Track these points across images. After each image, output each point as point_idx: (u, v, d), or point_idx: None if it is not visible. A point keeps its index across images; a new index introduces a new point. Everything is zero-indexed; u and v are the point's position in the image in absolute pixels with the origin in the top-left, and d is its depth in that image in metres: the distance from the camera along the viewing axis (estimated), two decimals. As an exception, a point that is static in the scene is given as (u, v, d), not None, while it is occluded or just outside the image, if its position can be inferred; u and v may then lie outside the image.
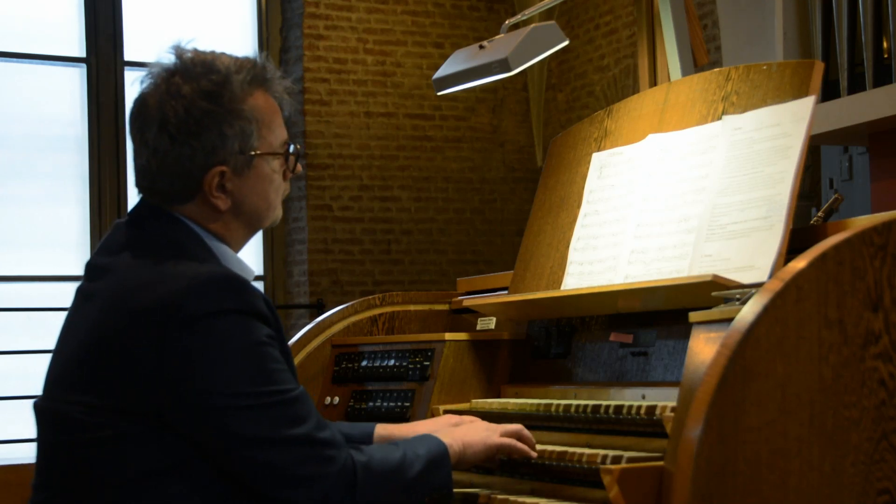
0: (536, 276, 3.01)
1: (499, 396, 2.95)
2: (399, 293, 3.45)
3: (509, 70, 3.60)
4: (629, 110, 2.98)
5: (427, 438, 2.36)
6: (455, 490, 2.37)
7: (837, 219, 2.62)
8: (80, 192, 7.36)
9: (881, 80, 4.09)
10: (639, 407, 2.35)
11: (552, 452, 2.40)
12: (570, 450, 2.36)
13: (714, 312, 2.15)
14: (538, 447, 2.46)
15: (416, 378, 2.96)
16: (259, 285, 7.72)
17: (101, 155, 7.35)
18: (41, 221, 7.30)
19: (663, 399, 2.43)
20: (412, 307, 3.43)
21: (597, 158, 2.98)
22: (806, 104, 2.53)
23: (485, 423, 2.51)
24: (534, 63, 3.71)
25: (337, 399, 3.19)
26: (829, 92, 4.27)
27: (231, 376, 2.07)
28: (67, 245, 7.32)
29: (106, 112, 7.38)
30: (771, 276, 2.34)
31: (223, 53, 2.29)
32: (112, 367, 2.09)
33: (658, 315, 2.61)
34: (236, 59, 2.28)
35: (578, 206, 2.96)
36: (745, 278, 2.38)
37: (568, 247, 2.93)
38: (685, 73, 3.83)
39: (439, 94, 3.92)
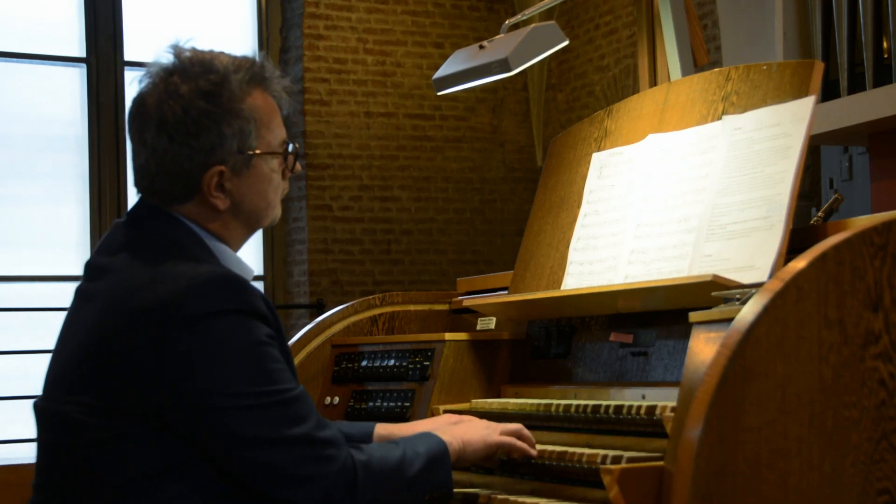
0: (536, 276, 3.01)
1: (499, 396, 2.95)
2: (399, 293, 3.45)
3: (509, 70, 3.60)
4: (629, 110, 2.98)
5: (427, 437, 2.36)
6: (455, 490, 2.37)
7: (837, 219, 2.62)
8: (80, 192, 7.36)
9: (881, 80, 4.09)
10: (639, 407, 2.35)
11: (552, 452, 2.40)
12: (570, 450, 2.36)
13: (714, 312, 2.15)
14: (538, 447, 2.46)
15: (416, 378, 2.96)
16: (259, 285, 7.72)
17: (101, 155, 7.35)
18: (41, 221, 7.30)
19: (663, 399, 2.43)
20: (412, 307, 3.43)
21: (597, 158, 2.98)
22: (806, 104, 2.53)
23: (484, 422, 2.51)
24: (534, 63, 3.71)
25: (337, 399, 3.19)
26: (829, 92, 4.27)
27: (231, 376, 2.07)
28: (67, 245, 7.32)
29: (106, 112, 7.38)
30: (771, 276, 2.34)
31: (221, 53, 2.28)
32: (112, 368, 2.09)
33: (658, 315, 2.61)
34: (234, 58, 2.28)
35: (578, 206, 2.96)
36: (745, 278, 2.38)
37: (568, 247, 2.93)
38: (685, 73, 3.83)
39: (439, 94, 3.92)
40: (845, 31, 4.22)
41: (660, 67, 5.68)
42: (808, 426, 1.99)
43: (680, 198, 2.70)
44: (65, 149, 7.39)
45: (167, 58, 2.25)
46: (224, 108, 2.21)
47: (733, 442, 1.94)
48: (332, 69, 7.85)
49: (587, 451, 2.32)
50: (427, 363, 2.95)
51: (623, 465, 2.17)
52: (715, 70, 2.81)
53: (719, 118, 2.71)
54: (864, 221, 2.19)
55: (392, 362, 3.06)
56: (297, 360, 3.25)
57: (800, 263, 2.02)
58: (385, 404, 3.00)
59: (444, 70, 3.85)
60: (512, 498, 2.41)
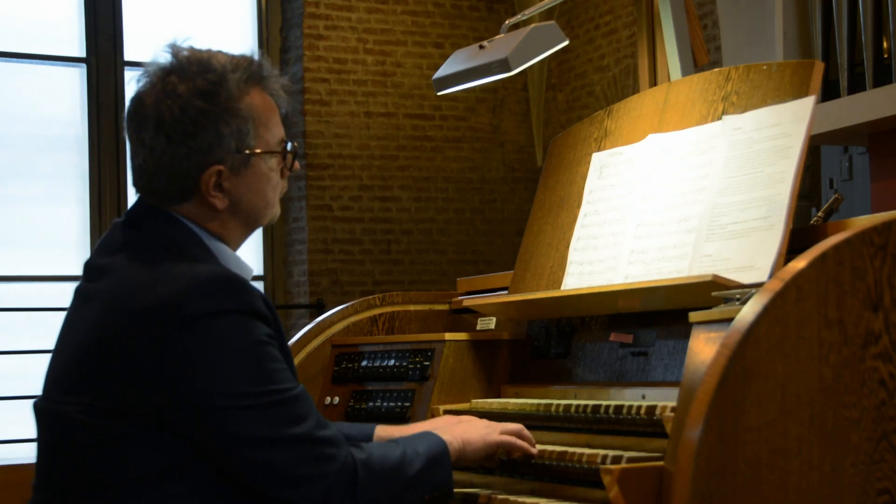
0: (536, 276, 3.01)
1: (499, 396, 2.95)
2: (399, 293, 3.45)
3: (509, 70, 3.60)
4: (629, 110, 2.98)
5: (427, 436, 2.36)
6: (455, 490, 2.37)
7: (837, 219, 2.62)
8: (80, 192, 7.36)
9: (881, 80, 4.09)
10: (639, 407, 2.35)
11: (552, 452, 2.40)
12: (570, 450, 2.36)
13: (714, 312, 2.15)
14: (538, 447, 2.46)
15: (416, 378, 2.96)
16: (259, 285, 7.72)
17: (101, 155, 7.35)
18: (41, 221, 7.30)
19: (663, 399, 2.43)
20: (412, 307, 3.43)
21: (597, 158, 2.98)
22: (806, 104, 2.53)
23: (484, 422, 2.51)
24: (534, 63, 3.71)
25: (337, 399, 3.19)
26: (829, 92, 4.27)
27: (231, 376, 2.07)
28: (67, 245, 7.32)
29: (106, 112, 7.38)
30: (771, 276, 2.34)
31: (219, 51, 2.28)
32: (111, 368, 2.09)
33: (658, 315, 2.61)
34: (232, 57, 2.27)
35: (578, 206, 2.96)
36: (745, 278, 2.38)
37: (568, 247, 2.93)
38: (685, 73, 3.83)
39: (439, 94, 3.92)
40: (845, 31, 4.22)
41: (660, 67, 5.68)
42: (808, 426, 1.99)
43: (680, 198, 2.70)
44: (65, 149, 7.39)
45: (165, 57, 2.25)
46: (222, 107, 2.21)
47: (733, 442, 1.94)
48: (332, 69, 7.85)
49: (587, 451, 2.32)
50: (427, 363, 2.95)
51: (623, 465, 2.17)
52: (715, 70, 2.81)
53: (719, 118, 2.71)
54: (864, 221, 2.19)
55: (392, 362, 3.06)
56: (297, 360, 3.25)
57: (800, 263, 2.02)
58: (385, 404, 3.00)
59: (444, 70, 3.85)
60: (512, 498, 2.41)
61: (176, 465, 2.08)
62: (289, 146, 2.32)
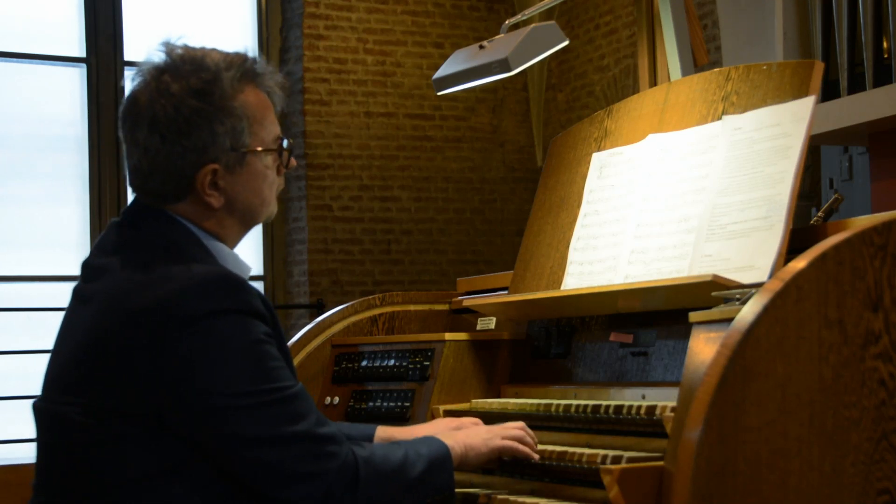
0: (536, 276, 3.01)
1: (499, 396, 2.95)
2: (399, 293, 3.45)
3: (509, 70, 3.60)
4: (629, 110, 2.98)
5: (429, 440, 2.36)
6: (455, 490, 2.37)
7: (837, 219, 2.62)
8: (80, 192, 7.36)
9: (881, 80, 4.09)
10: (639, 407, 2.35)
11: (552, 452, 2.40)
12: (570, 450, 2.36)
13: (714, 312, 2.15)
14: (538, 447, 2.46)
15: (416, 378, 2.96)
16: (259, 285, 7.72)
17: (101, 155, 7.35)
18: (41, 221, 7.30)
19: (663, 399, 2.43)
20: (412, 307, 3.43)
21: (597, 158, 2.98)
22: (806, 104, 2.53)
23: (485, 427, 2.50)
24: (534, 63, 3.71)
25: (337, 399, 3.19)
26: (829, 92, 4.27)
27: (230, 376, 2.07)
28: (67, 245, 7.32)
29: (106, 112, 7.38)
30: (771, 276, 2.34)
31: (213, 49, 2.27)
32: (110, 368, 2.08)
33: (658, 315, 2.61)
34: (226, 55, 2.26)
35: (578, 206, 2.96)
36: (745, 278, 2.38)
37: (568, 247, 2.93)
38: (685, 73, 3.83)
39: (439, 94, 3.92)
40: (845, 31, 4.22)
41: (660, 67, 5.68)
42: (808, 426, 1.99)
43: (680, 198, 2.70)
44: (65, 149, 7.39)
45: (158, 56, 2.24)
46: (216, 105, 2.20)
47: (733, 442, 1.94)
48: (332, 69, 7.85)
49: (587, 451, 2.32)
50: (427, 363, 2.95)
51: (623, 465, 2.17)
52: (715, 70, 2.81)
53: (719, 118, 2.71)
54: (864, 221, 2.19)
55: (392, 362, 3.06)
56: (296, 360, 3.25)
57: (800, 263, 2.02)
58: (385, 404, 3.00)
59: (444, 70, 3.85)
60: (512, 498, 2.41)
61: (176, 465, 2.08)
62: (285, 143, 2.31)
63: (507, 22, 3.88)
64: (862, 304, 2.05)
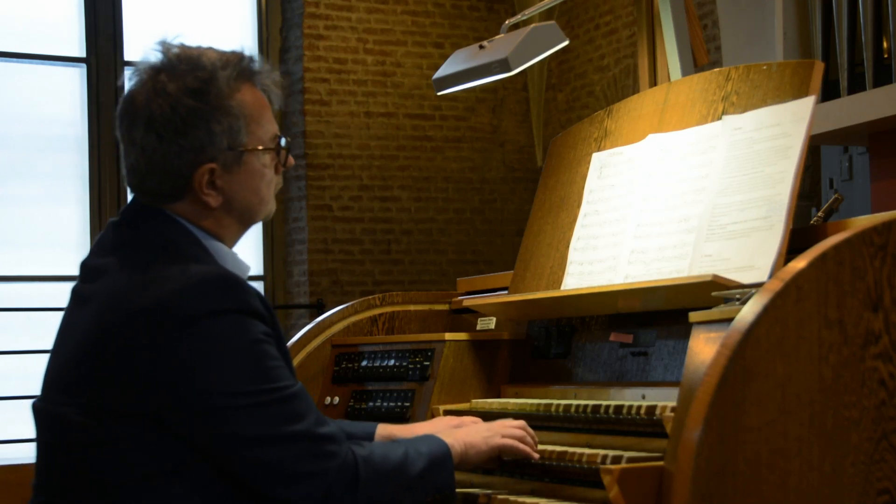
0: (536, 276, 3.01)
1: (499, 396, 2.95)
2: (399, 293, 3.45)
3: (509, 70, 3.60)
4: (629, 110, 2.98)
5: (429, 438, 2.36)
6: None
7: (837, 219, 2.62)
8: (80, 192, 7.36)
9: (881, 80, 4.09)
10: (639, 407, 2.35)
11: (552, 452, 2.40)
12: (570, 450, 2.36)
13: (714, 312, 2.15)
14: (538, 447, 2.46)
15: (416, 378, 2.96)
16: (259, 285, 7.72)
17: (101, 155, 7.36)
18: (41, 221, 7.30)
19: (663, 399, 2.43)
20: (412, 307, 3.43)
21: (597, 158, 2.98)
22: (806, 104, 2.53)
23: (485, 424, 2.50)
24: (534, 63, 3.71)
25: (337, 399, 3.19)
26: (829, 92, 4.27)
27: (230, 376, 2.07)
28: (67, 245, 7.32)
29: (106, 112, 7.38)
30: (771, 276, 2.34)
31: (210, 48, 2.26)
32: (109, 369, 2.08)
33: (658, 315, 2.61)
34: (223, 53, 2.25)
35: (578, 206, 2.96)
36: (745, 278, 2.38)
37: (568, 247, 2.93)
38: (685, 73, 3.83)
39: (439, 94, 3.92)
40: (845, 31, 4.21)
41: (660, 67, 5.68)
42: (808, 426, 1.99)
43: (680, 198, 2.70)
44: (65, 149, 7.39)
45: (155, 55, 2.23)
46: (212, 105, 2.20)
47: (733, 442, 1.94)
48: (332, 69, 7.85)
49: (587, 451, 2.32)
50: (427, 363, 2.95)
51: (623, 465, 2.17)
52: (715, 70, 2.81)
53: (719, 118, 2.71)
54: (864, 221, 2.19)
55: (392, 362, 3.06)
56: (296, 361, 3.25)
57: (800, 263, 2.02)
58: (385, 404, 3.00)
59: (444, 70, 3.85)
60: (512, 498, 2.41)
61: (176, 465, 2.08)
62: (282, 142, 2.31)
63: (507, 22, 3.88)
64: (862, 304, 2.05)
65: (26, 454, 6.44)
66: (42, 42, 7.38)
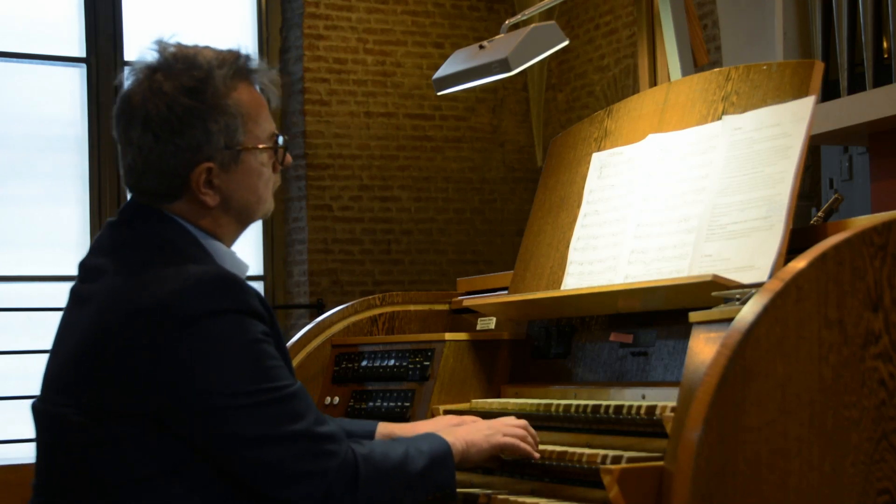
0: (536, 276, 3.01)
1: (499, 396, 2.95)
2: (399, 293, 3.45)
3: (509, 70, 3.60)
4: (629, 110, 2.98)
5: (430, 436, 2.35)
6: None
7: (837, 219, 2.62)
8: (80, 192, 7.36)
9: (881, 80, 4.09)
10: (639, 407, 2.35)
11: (552, 452, 2.40)
12: (570, 450, 2.36)
13: (714, 312, 2.15)
14: (538, 447, 2.45)
15: (416, 378, 2.96)
16: (259, 285, 7.72)
17: (101, 155, 7.36)
18: (41, 221, 7.30)
19: (663, 399, 2.43)
20: (412, 307, 3.43)
21: (597, 158, 2.98)
22: (806, 104, 2.53)
23: (486, 422, 2.50)
24: (534, 63, 3.71)
25: (337, 399, 3.19)
26: (829, 92, 4.27)
27: (229, 376, 2.07)
28: (67, 245, 7.32)
29: (106, 112, 7.38)
30: (771, 276, 2.34)
31: (206, 47, 2.26)
32: (108, 369, 2.08)
33: (658, 315, 2.61)
34: (219, 52, 2.25)
35: (578, 206, 2.96)
36: (745, 278, 2.38)
37: (568, 247, 2.93)
38: (685, 73, 3.83)
39: (439, 94, 3.92)
40: (845, 31, 4.21)
41: (660, 67, 5.68)
42: (808, 426, 1.99)
43: (680, 198, 2.70)
44: (65, 149, 7.39)
45: (151, 55, 2.23)
46: (209, 104, 2.19)
47: (733, 442, 1.94)
48: (332, 69, 7.85)
49: (587, 451, 2.32)
50: (427, 363, 2.95)
51: (623, 465, 2.17)
52: (715, 70, 2.80)
53: (719, 118, 2.71)
54: (864, 221, 2.19)
55: (392, 362, 3.06)
56: (296, 361, 3.25)
57: (800, 263, 2.02)
58: (385, 404, 3.00)
59: (444, 70, 3.85)
60: (512, 498, 2.41)
61: (176, 465, 2.08)
62: (280, 140, 2.31)
63: (507, 22, 3.88)
64: (862, 304, 2.05)
65: (26, 454, 6.44)
66: (42, 42, 7.38)
